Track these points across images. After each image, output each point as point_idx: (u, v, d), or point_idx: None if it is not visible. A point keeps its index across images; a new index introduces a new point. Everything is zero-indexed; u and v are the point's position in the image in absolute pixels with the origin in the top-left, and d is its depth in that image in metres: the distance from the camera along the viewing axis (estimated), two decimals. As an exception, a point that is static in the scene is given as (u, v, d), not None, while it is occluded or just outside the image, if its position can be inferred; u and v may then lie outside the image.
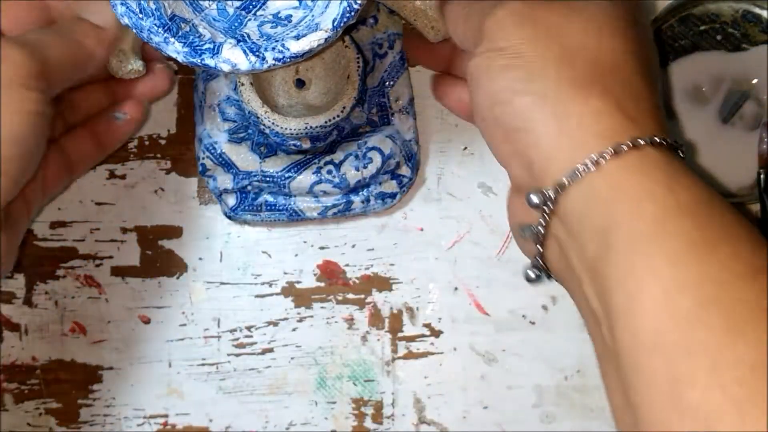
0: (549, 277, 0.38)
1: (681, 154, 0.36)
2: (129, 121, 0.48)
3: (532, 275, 0.38)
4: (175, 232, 0.51)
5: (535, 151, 0.36)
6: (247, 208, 0.49)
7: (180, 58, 0.39)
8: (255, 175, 0.48)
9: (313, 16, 0.41)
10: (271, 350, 0.51)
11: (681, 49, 0.50)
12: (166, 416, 0.51)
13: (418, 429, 0.51)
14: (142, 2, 0.39)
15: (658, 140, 0.34)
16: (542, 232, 0.36)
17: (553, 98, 0.36)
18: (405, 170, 0.50)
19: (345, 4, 0.39)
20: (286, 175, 0.48)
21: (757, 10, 0.50)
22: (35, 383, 0.51)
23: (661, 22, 0.50)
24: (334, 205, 0.49)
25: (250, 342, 0.51)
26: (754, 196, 0.49)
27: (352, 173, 0.48)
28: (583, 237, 0.34)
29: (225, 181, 0.49)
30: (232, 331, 0.51)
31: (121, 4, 0.39)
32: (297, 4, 0.43)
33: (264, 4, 0.43)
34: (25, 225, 0.45)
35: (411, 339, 0.51)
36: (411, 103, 0.50)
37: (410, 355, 0.51)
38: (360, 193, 0.49)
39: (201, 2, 0.42)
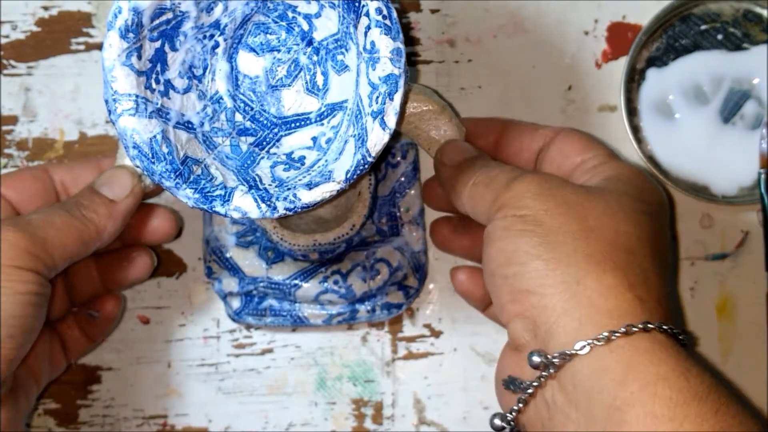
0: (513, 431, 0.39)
1: (683, 342, 0.37)
2: (105, 318, 0.48)
3: (499, 425, 0.39)
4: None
5: (543, 316, 0.36)
6: (251, 312, 0.49)
7: (190, 204, 0.39)
8: (261, 281, 0.48)
9: (326, 161, 0.41)
10: (270, 351, 0.51)
11: (682, 49, 0.50)
12: (165, 417, 0.51)
13: (418, 429, 0.51)
14: (155, 146, 0.39)
15: (666, 327, 0.36)
16: (531, 392, 0.37)
17: (568, 268, 0.36)
18: (412, 281, 0.50)
19: (359, 156, 0.39)
20: (292, 283, 0.48)
21: (758, 10, 0.50)
22: (34, 384, 0.51)
23: (662, 22, 0.50)
24: (339, 314, 0.49)
25: (250, 342, 0.51)
26: (755, 196, 0.49)
27: (358, 284, 0.48)
28: (591, 411, 0.35)
29: (230, 284, 0.49)
30: (232, 331, 0.51)
31: (134, 147, 0.39)
32: (311, 144, 0.43)
33: (278, 141, 0.43)
34: (30, 402, 0.45)
35: (411, 339, 0.51)
36: (421, 214, 0.50)
37: (410, 356, 0.51)
38: (366, 303, 0.49)
39: (215, 139, 0.42)
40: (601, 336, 0.35)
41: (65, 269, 0.43)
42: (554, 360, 0.35)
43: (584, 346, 0.35)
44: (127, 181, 0.42)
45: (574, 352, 0.35)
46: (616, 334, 0.35)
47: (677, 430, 0.33)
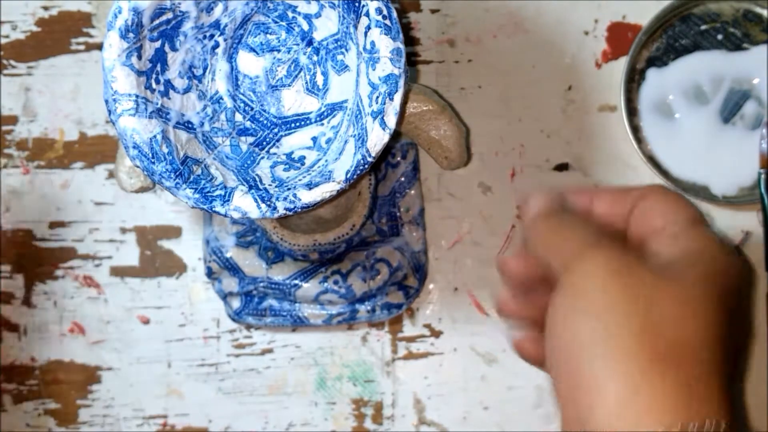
0: None
1: None
2: None
3: None
4: (174, 232, 0.51)
5: (597, 412, 0.36)
6: (251, 312, 0.49)
7: (190, 204, 0.39)
8: (261, 281, 0.48)
9: (326, 161, 0.41)
10: (270, 351, 0.51)
11: (682, 49, 0.50)
12: (165, 417, 0.51)
13: (418, 429, 0.51)
14: (155, 146, 0.39)
15: (723, 425, 0.35)
16: None
17: (625, 369, 0.35)
18: (412, 281, 0.50)
19: (359, 156, 0.39)
20: (292, 283, 0.48)
21: (758, 10, 0.50)
22: (34, 384, 0.51)
23: (662, 22, 0.50)
24: (339, 314, 0.49)
25: (250, 342, 0.51)
26: (755, 196, 0.49)
27: (358, 284, 0.48)
28: None
29: (230, 284, 0.49)
30: (232, 331, 0.51)
31: (134, 147, 0.39)
32: (311, 144, 0.43)
33: (278, 141, 0.43)
34: None
35: (411, 339, 0.51)
36: (421, 214, 0.50)
37: (410, 356, 0.51)
38: (366, 303, 0.49)
39: (215, 139, 0.42)
40: None
41: None
42: None
43: None
44: None
45: None
46: None
47: None
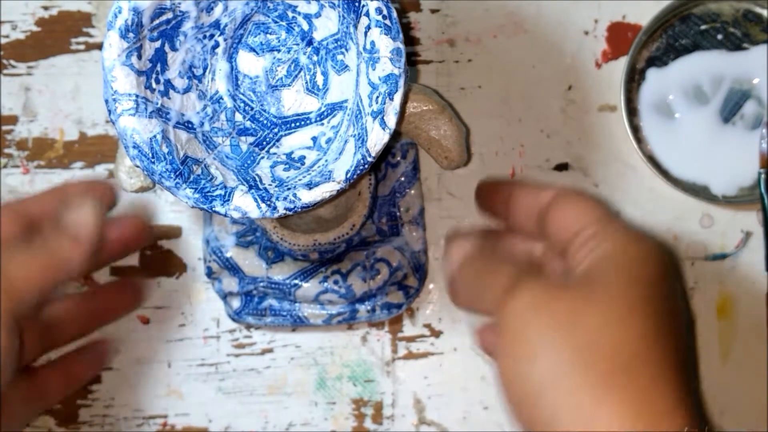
0: None
1: None
2: (91, 363, 0.49)
3: None
4: (174, 232, 0.51)
5: None
6: (251, 311, 0.49)
7: (190, 204, 0.39)
8: (261, 281, 0.48)
9: (326, 161, 0.41)
10: (270, 350, 0.51)
11: (682, 49, 0.50)
12: (165, 417, 0.51)
13: (418, 429, 0.51)
14: (155, 146, 0.39)
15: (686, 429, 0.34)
16: None
17: (576, 401, 0.35)
18: (412, 281, 0.50)
19: (359, 156, 0.39)
20: (292, 283, 0.48)
21: (758, 10, 0.50)
22: (34, 384, 0.51)
23: (662, 22, 0.50)
24: (339, 314, 0.49)
25: (250, 342, 0.51)
26: (755, 196, 0.49)
27: (358, 284, 0.48)
28: None
29: (230, 284, 0.49)
30: (232, 331, 0.51)
31: (134, 147, 0.39)
32: (311, 144, 0.43)
33: (278, 141, 0.43)
34: None
35: (411, 339, 0.51)
36: (421, 214, 0.50)
37: (410, 356, 0.51)
38: (366, 303, 0.49)
39: (215, 139, 0.42)
40: None
41: (41, 312, 0.43)
42: None
43: None
44: (89, 213, 0.42)
45: None
46: None
47: None
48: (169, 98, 0.41)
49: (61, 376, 0.47)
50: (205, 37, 0.42)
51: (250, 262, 0.48)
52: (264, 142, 0.43)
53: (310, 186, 0.39)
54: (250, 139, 0.43)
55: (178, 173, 0.39)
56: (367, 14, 0.39)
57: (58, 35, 0.51)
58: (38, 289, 0.41)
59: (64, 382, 0.48)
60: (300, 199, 0.39)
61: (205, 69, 0.43)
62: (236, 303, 0.49)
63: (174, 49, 0.41)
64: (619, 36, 0.51)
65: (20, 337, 0.41)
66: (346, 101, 0.42)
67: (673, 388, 0.36)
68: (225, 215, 0.39)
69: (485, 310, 0.39)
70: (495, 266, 0.41)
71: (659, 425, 0.35)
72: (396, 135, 0.43)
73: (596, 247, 0.39)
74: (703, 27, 0.50)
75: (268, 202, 0.39)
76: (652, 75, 0.50)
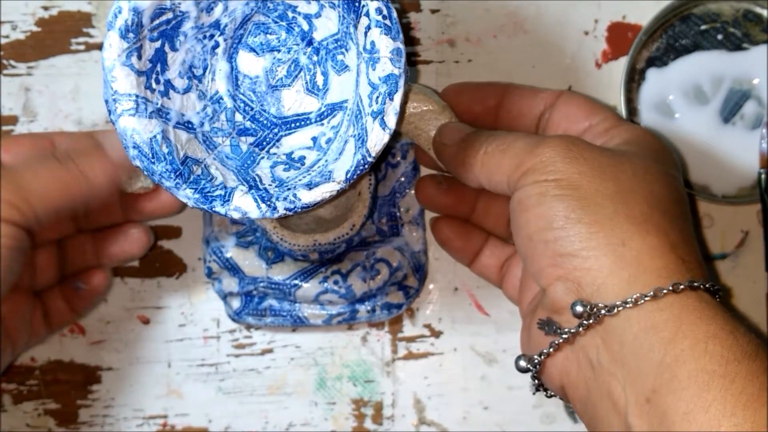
0: (534, 377, 0.39)
1: (719, 299, 0.37)
2: (91, 292, 0.48)
3: (523, 366, 0.39)
4: (174, 232, 0.51)
5: (588, 277, 0.36)
6: (251, 312, 0.49)
7: (190, 204, 0.39)
8: (261, 281, 0.48)
9: (326, 161, 0.41)
10: (270, 351, 0.51)
11: (682, 49, 0.50)
12: (165, 417, 0.51)
13: (419, 430, 0.51)
14: (155, 146, 0.39)
15: (708, 286, 0.36)
16: (567, 338, 0.37)
17: (612, 230, 0.36)
18: (412, 281, 0.50)
19: (359, 156, 0.39)
20: (292, 283, 0.48)
21: (758, 10, 0.50)
22: (34, 384, 0.51)
23: (662, 22, 0.50)
24: (339, 314, 0.49)
25: (250, 342, 0.51)
26: (755, 196, 0.49)
27: (358, 284, 0.48)
28: (639, 368, 0.34)
29: (230, 284, 0.49)
30: (232, 331, 0.51)
31: (134, 147, 0.39)
32: (311, 144, 0.43)
33: (278, 141, 0.43)
34: (1, 364, 0.44)
35: (411, 339, 0.51)
36: (421, 214, 0.50)
37: (410, 356, 0.51)
38: (366, 303, 0.49)
39: (215, 139, 0.42)
40: (649, 293, 0.35)
41: (60, 241, 0.42)
42: (600, 311, 0.35)
43: (632, 302, 0.35)
44: (120, 145, 0.42)
45: (619, 306, 0.35)
46: (664, 291, 0.35)
47: (729, 386, 0.32)
48: (169, 98, 0.41)
49: (65, 300, 0.47)
50: (205, 37, 0.42)
51: (250, 263, 0.48)
52: (264, 143, 0.43)
53: (310, 186, 0.39)
54: (250, 140, 0.43)
55: (178, 173, 0.39)
56: (367, 14, 0.39)
57: (58, 35, 0.51)
58: (55, 206, 0.40)
59: (69, 306, 0.48)
60: (300, 200, 0.39)
61: (205, 69, 0.43)
62: (236, 303, 0.49)
63: (174, 49, 0.41)
64: (619, 36, 0.51)
65: (34, 255, 0.41)
66: (346, 101, 0.42)
67: (693, 242, 0.38)
68: (225, 215, 0.39)
69: (508, 170, 0.39)
70: (507, 132, 0.42)
71: (691, 255, 0.37)
72: (396, 135, 0.43)
73: (616, 135, 0.41)
74: (703, 27, 0.50)
75: (268, 203, 0.39)
76: (652, 75, 0.50)
